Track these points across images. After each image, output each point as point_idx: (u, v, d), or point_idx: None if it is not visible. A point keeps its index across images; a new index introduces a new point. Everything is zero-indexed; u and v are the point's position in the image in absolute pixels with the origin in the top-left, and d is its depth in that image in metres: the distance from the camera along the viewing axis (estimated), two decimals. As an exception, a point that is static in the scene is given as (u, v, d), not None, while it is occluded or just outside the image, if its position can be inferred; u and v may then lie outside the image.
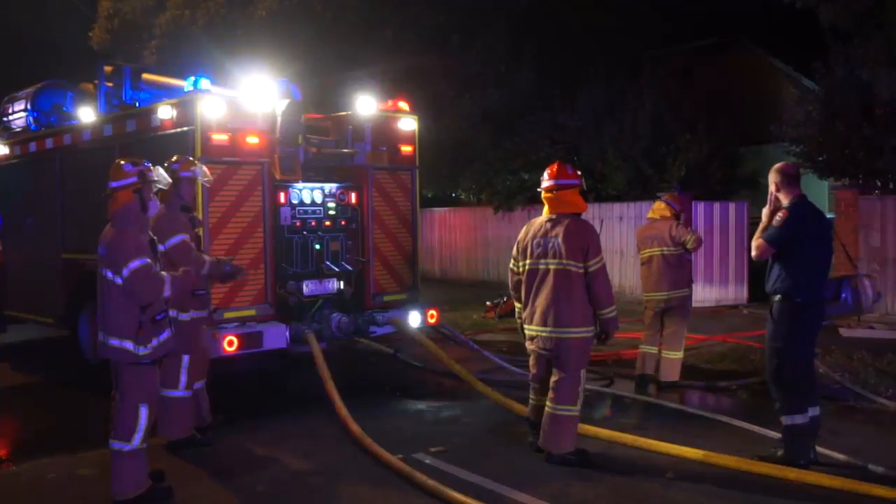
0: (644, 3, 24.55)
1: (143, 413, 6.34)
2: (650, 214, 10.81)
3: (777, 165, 7.37)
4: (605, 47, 22.96)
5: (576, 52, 23.24)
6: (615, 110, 20.21)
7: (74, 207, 11.41)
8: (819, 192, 20.83)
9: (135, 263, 6.15)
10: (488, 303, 16.41)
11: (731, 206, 18.08)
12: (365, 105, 10.48)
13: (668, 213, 10.39)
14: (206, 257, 8.03)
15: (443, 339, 11.54)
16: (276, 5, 22.41)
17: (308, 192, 9.99)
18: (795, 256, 7.02)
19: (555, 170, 7.34)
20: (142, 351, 6.27)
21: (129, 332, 6.23)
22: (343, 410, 8.18)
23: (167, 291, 6.39)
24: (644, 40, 24.72)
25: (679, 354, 10.33)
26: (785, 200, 7.17)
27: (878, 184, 15.91)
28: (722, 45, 26.42)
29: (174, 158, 8.03)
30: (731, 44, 26.46)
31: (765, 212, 7.33)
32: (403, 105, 11.08)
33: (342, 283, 10.22)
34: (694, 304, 17.18)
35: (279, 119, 9.48)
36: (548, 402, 7.18)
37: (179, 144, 8.91)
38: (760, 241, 7.16)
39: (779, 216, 7.07)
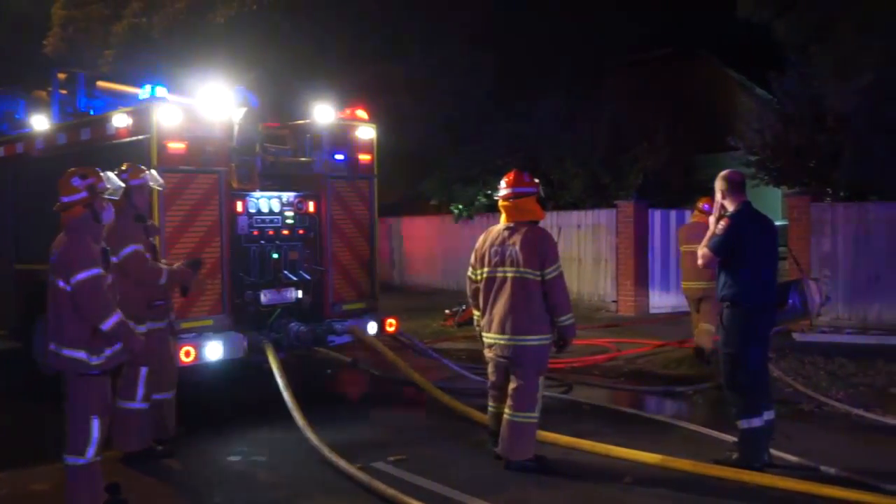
0: (603, 13, 24.72)
1: (95, 425, 6.21)
2: (693, 218, 12.34)
3: (723, 173, 7.47)
4: (564, 56, 23.10)
5: (535, 61, 23.35)
6: (574, 119, 20.32)
7: (27, 217, 11.27)
8: (773, 198, 21.12)
9: (82, 275, 6.06)
10: (447, 311, 16.42)
11: (688, 214, 18.23)
12: (323, 113, 10.46)
13: (704, 216, 10.96)
14: (163, 266, 7.96)
15: (402, 348, 11.53)
16: (235, 13, 22.29)
17: (265, 201, 9.96)
18: (741, 263, 7.12)
19: (512, 178, 7.37)
20: (94, 360, 6.15)
21: (83, 342, 6.13)
22: (301, 420, 8.13)
23: (111, 319, 6.24)
24: (603, 50, 24.90)
25: (712, 327, 11.03)
26: (731, 207, 7.28)
27: (830, 191, 16.15)
28: (679, 56, 26.75)
29: (123, 167, 7.93)
30: (688, 54, 26.81)
31: (711, 220, 7.44)
32: (361, 113, 11.08)
33: (300, 292, 10.20)
34: (651, 311, 17.47)
35: (236, 127, 9.42)
36: (506, 410, 7.20)
37: (135, 153, 8.80)
38: (705, 249, 7.26)
39: (722, 224, 7.17)
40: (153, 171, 8.13)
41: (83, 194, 6.27)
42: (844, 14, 15.06)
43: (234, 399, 10.50)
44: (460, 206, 21.90)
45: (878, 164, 15.18)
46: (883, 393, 9.77)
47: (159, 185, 8.22)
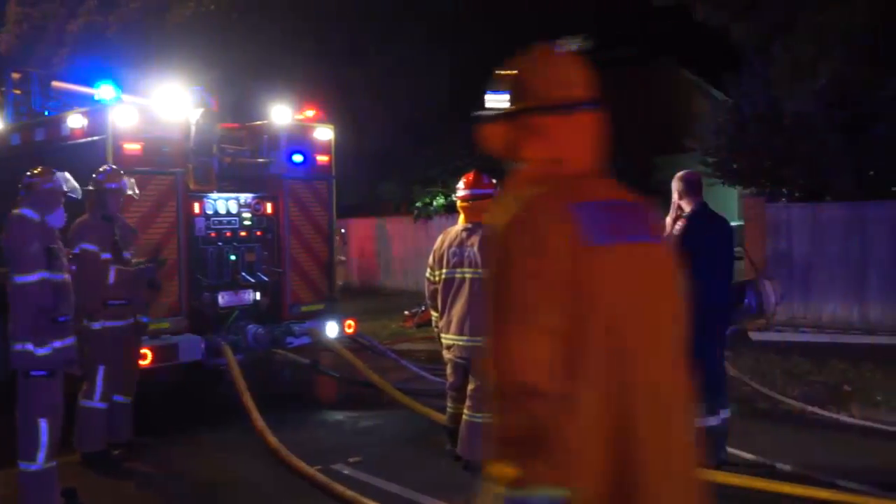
0: (560, 15, 24.80)
1: (44, 429, 6.12)
2: None
3: (679, 174, 7.52)
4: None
5: (493, 61, 23.33)
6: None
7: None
8: (729, 199, 21.31)
9: (19, 279, 6.04)
10: (406, 312, 16.40)
11: (645, 214, 18.38)
12: (280, 114, 10.41)
13: None
14: (119, 267, 7.83)
15: (361, 349, 11.51)
16: (192, 13, 22.14)
17: (223, 203, 9.90)
18: (697, 263, 7.15)
19: (471, 179, 7.37)
20: (40, 352, 6.06)
21: (28, 332, 6.06)
22: (259, 422, 8.10)
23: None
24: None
25: None
26: (687, 208, 7.32)
27: (785, 192, 16.36)
28: (638, 58, 26.90)
29: (101, 169, 7.90)
30: (646, 57, 26.97)
31: (668, 220, 7.48)
32: (317, 113, 11.03)
33: (258, 294, 10.15)
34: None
35: (193, 128, 9.36)
36: (465, 411, 7.20)
37: (91, 154, 8.71)
38: None
39: (678, 225, 7.21)
40: (132, 180, 8.05)
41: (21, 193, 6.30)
42: (800, 16, 15.24)
43: (191, 401, 10.43)
44: (426, 200, 21.87)
45: (832, 165, 15.41)
46: (837, 390, 9.89)
47: (135, 195, 8.14)
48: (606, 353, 2.27)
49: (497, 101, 2.74)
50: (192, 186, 9.42)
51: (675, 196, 7.45)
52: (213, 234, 9.79)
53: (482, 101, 2.80)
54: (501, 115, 2.69)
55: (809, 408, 9.34)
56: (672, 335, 2.59)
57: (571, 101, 2.61)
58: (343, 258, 19.08)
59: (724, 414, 7.27)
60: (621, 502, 2.28)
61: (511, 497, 2.21)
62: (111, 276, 7.73)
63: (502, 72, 2.83)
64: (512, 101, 2.65)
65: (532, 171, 2.56)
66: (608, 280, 2.33)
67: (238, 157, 10.36)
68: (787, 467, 7.14)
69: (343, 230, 19.52)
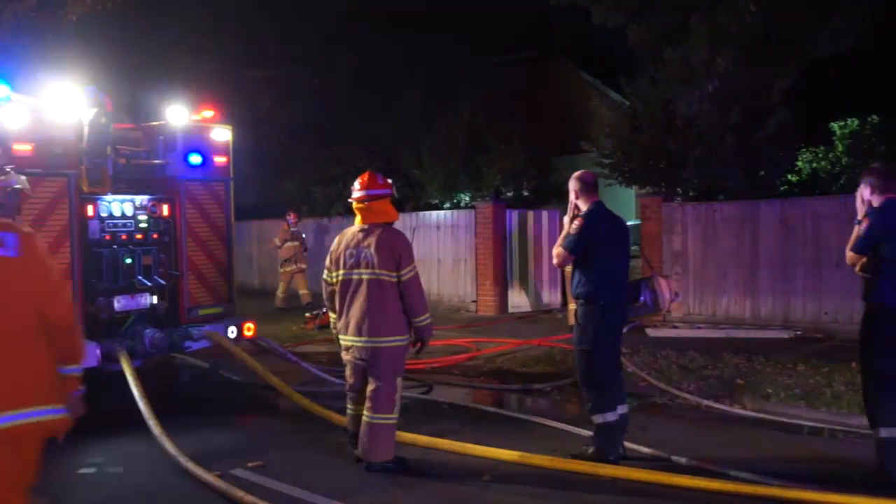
0: (461, 16, 24.95)
1: None
2: None
3: (576, 174, 7.63)
4: (422, 58, 23.22)
5: (393, 62, 23.41)
6: (433, 120, 20.46)
7: None
8: (626, 198, 21.72)
9: None
10: (307, 314, 16.32)
11: (544, 214, 18.66)
12: (177, 115, 10.26)
13: None
14: None
15: (261, 352, 11.40)
16: (89, 11, 21.63)
17: (118, 205, 9.71)
18: (594, 261, 7.29)
19: (366, 180, 7.35)
20: None
21: None
22: (157, 428, 7.96)
23: None
24: (461, 52, 25.13)
25: None
26: (584, 207, 7.44)
27: (680, 192, 16.73)
28: (537, 60, 27.23)
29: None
30: (545, 57, 27.30)
31: (565, 220, 7.60)
32: (214, 114, 10.89)
33: (155, 297, 9.98)
34: (510, 310, 17.74)
35: (86, 129, 9.13)
36: (365, 412, 7.19)
37: (-23, 156, 8.47)
38: (560, 248, 7.41)
39: (575, 224, 7.32)
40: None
41: None
42: (692, 20, 15.62)
43: (87, 409, 10.17)
44: (320, 208, 21.77)
45: (723, 165, 15.84)
46: (731, 384, 10.17)
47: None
48: None
49: None
50: (85, 188, 9.21)
51: (571, 196, 7.56)
52: (107, 237, 9.60)
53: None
54: None
55: (704, 401, 9.59)
56: None
57: None
58: (304, 266, 18.97)
59: (622, 409, 7.42)
60: None
61: None
62: None
63: None
64: None
65: None
66: None
67: (133, 158, 10.16)
68: (682, 460, 7.29)
69: (305, 235, 19.42)
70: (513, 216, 18.21)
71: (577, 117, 22.30)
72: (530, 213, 18.56)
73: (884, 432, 6.59)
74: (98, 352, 9.05)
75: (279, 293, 19.04)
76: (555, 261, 7.58)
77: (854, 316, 7.24)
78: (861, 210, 6.88)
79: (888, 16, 15.54)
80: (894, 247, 6.59)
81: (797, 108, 16.22)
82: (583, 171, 7.76)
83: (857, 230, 6.84)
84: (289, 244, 16.78)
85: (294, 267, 18.89)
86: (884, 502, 5.97)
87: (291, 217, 17.44)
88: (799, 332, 13.91)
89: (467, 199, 19.62)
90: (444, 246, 18.84)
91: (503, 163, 19.36)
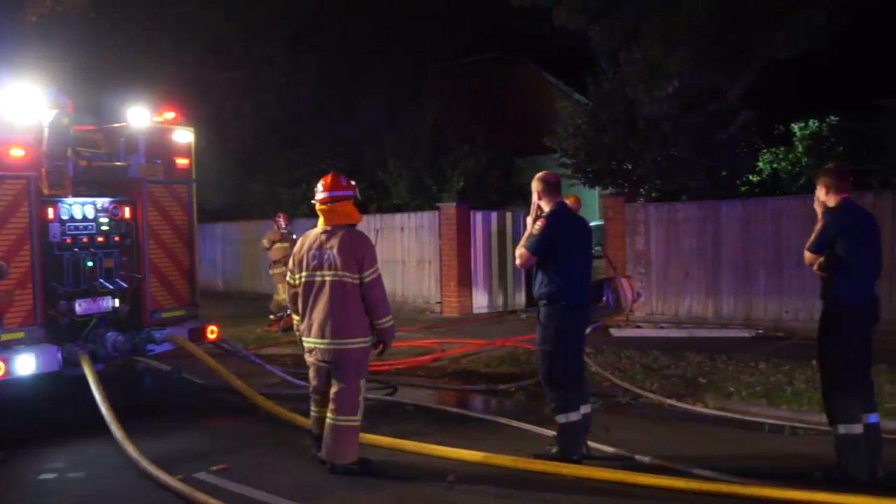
0: (425, 18, 24.95)
1: None
2: None
3: (539, 175, 7.66)
4: (387, 60, 23.21)
5: (357, 63, 23.38)
6: (397, 121, 20.45)
7: None
8: (589, 199, 21.81)
9: None
10: (271, 316, 16.26)
11: (508, 215, 18.72)
12: (138, 116, 10.19)
13: None
14: None
15: (225, 355, 11.36)
16: (49, 11, 21.42)
17: (79, 207, 9.62)
18: (557, 262, 7.31)
19: (329, 181, 7.33)
20: None
21: None
22: (119, 432, 7.89)
23: None
24: (426, 53, 25.14)
25: None
26: (547, 208, 7.47)
27: (642, 192, 16.85)
28: (500, 61, 27.28)
29: None
30: (508, 59, 27.36)
31: (528, 220, 7.62)
32: (176, 115, 10.82)
33: (117, 300, 9.90)
34: (475, 311, 17.78)
35: (46, 130, 9.06)
36: (329, 414, 7.18)
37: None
38: (523, 249, 7.43)
39: (538, 224, 7.34)
40: None
41: None
42: (652, 22, 15.74)
43: (48, 414, 10.08)
44: (285, 209, 21.68)
45: (683, 166, 15.97)
46: (694, 383, 10.25)
47: None
48: None
49: None
50: (45, 191, 9.13)
51: (534, 196, 7.58)
52: (68, 240, 9.50)
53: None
54: None
55: (667, 400, 9.67)
56: None
57: None
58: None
59: (585, 409, 7.45)
60: None
61: None
62: None
63: None
64: None
65: None
66: None
67: (94, 160, 10.08)
68: (645, 459, 7.36)
69: (295, 236, 19.22)
70: (477, 217, 18.26)
71: (541, 118, 22.37)
72: (494, 214, 18.61)
73: (842, 429, 6.68)
74: (59, 356, 8.97)
75: (276, 296, 18.89)
76: (517, 261, 7.60)
77: (814, 314, 7.34)
78: (819, 211, 6.97)
79: (842, 18, 15.73)
80: (850, 246, 6.68)
81: (757, 110, 16.39)
82: (546, 172, 7.79)
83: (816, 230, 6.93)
84: (279, 245, 16.69)
85: (285, 268, 18.74)
86: (842, 497, 6.05)
87: (282, 219, 17.36)
88: (760, 331, 14.07)
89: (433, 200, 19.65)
90: (409, 247, 18.85)
91: (467, 164, 19.38)
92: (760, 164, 21.99)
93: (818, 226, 6.81)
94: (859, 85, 24.44)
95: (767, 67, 16.77)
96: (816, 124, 24.22)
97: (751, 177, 19.78)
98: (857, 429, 6.65)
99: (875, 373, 9.18)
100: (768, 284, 14.62)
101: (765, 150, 22.57)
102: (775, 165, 23.40)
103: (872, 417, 6.77)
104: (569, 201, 10.63)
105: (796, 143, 24.09)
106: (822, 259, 6.80)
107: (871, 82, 24.55)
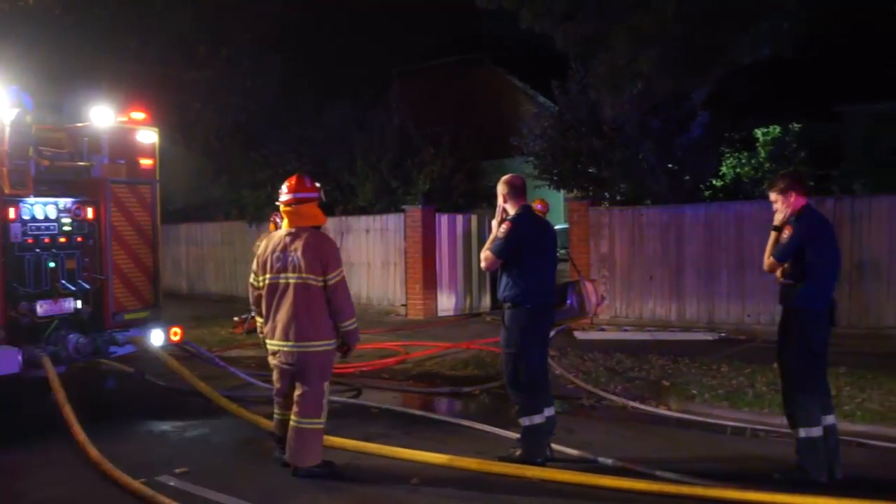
0: (392, 21, 24.95)
1: None
2: None
3: (504, 177, 7.69)
4: (353, 62, 23.18)
5: (323, 65, 23.33)
6: (363, 124, 20.42)
7: None
8: (555, 203, 21.90)
9: None
10: (236, 318, 16.17)
11: (473, 218, 18.76)
12: (101, 116, 10.09)
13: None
14: None
15: (189, 357, 11.29)
16: (10, 7, 21.16)
17: (41, 208, 9.51)
18: (521, 265, 7.35)
19: (293, 183, 7.31)
20: None
21: None
22: (80, 435, 7.82)
23: None
24: (392, 56, 25.14)
25: None
26: (512, 211, 7.50)
27: (607, 195, 16.94)
28: (466, 64, 27.34)
29: None
30: (474, 62, 27.43)
31: (494, 223, 7.65)
32: (141, 115, 10.74)
33: (79, 302, 9.79)
34: (440, 314, 17.79)
35: (8, 129, 8.95)
36: (292, 416, 7.16)
37: None
38: (488, 252, 7.45)
39: (503, 227, 7.38)
40: None
41: None
42: (618, 25, 15.82)
43: (8, 417, 9.97)
44: (250, 211, 21.61)
45: (647, 170, 16.09)
46: (657, 385, 10.34)
47: None
48: None
49: None
50: (6, 191, 9.02)
51: (500, 199, 7.61)
52: (30, 241, 9.39)
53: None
54: None
55: (630, 403, 9.74)
56: None
57: None
58: None
59: (549, 412, 7.49)
60: None
61: None
62: None
63: None
64: None
65: None
66: None
67: (57, 159, 9.97)
68: (608, 461, 7.38)
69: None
70: (442, 220, 18.28)
71: (507, 121, 22.46)
72: (459, 217, 18.64)
73: (803, 432, 6.75)
74: (20, 357, 8.84)
75: None
76: (483, 264, 7.63)
77: (775, 318, 7.40)
78: (779, 217, 7.02)
79: (805, 25, 15.93)
80: (819, 253, 6.77)
81: (720, 114, 16.56)
82: (511, 174, 7.82)
83: (774, 237, 6.99)
84: None
85: None
86: (802, 498, 6.12)
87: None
88: (723, 334, 14.20)
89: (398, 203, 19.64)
90: (374, 249, 18.83)
91: (433, 166, 19.39)
92: (724, 169, 22.20)
93: (785, 233, 6.84)
94: (820, 92, 24.82)
95: (731, 73, 16.94)
96: (778, 130, 24.52)
97: (714, 181, 19.94)
98: (818, 431, 6.74)
99: (835, 375, 9.40)
100: (731, 288, 14.75)
101: (728, 155, 22.81)
102: (738, 170, 23.65)
103: (830, 419, 6.87)
104: (537, 205, 10.67)
105: (759, 148, 24.37)
106: (786, 266, 6.85)
107: (832, 90, 24.93)
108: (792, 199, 6.91)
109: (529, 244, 7.37)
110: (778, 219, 7.01)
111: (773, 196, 7.05)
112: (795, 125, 24.34)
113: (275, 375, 7.44)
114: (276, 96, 22.88)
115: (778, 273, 6.93)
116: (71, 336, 9.49)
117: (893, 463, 7.60)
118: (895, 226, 13.23)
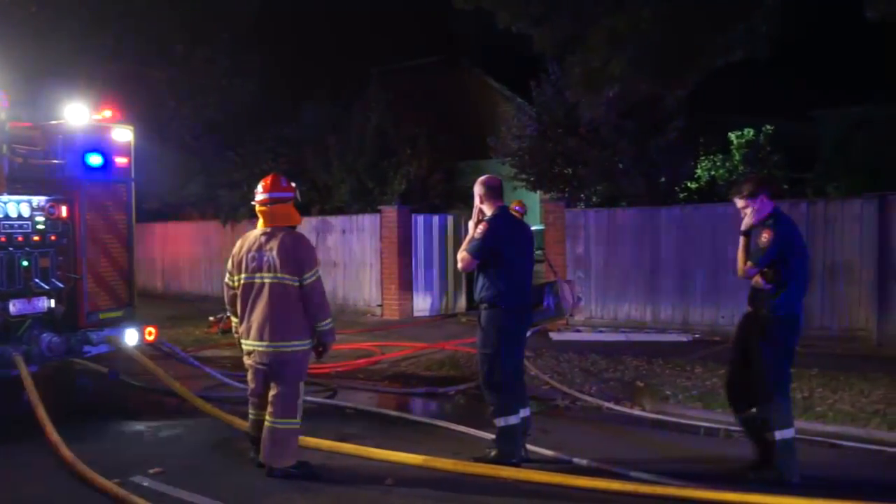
0: (370, 21, 24.94)
1: None
2: None
3: (481, 178, 7.71)
4: (331, 63, 23.15)
5: (301, 65, 23.28)
6: (340, 124, 20.40)
7: None
8: (531, 204, 21.96)
9: None
10: (212, 318, 16.12)
11: (450, 219, 18.76)
12: (76, 114, 10.01)
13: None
14: None
15: (164, 357, 11.25)
16: (-16, 3, 20.98)
17: (14, 206, 9.43)
18: (497, 266, 7.37)
19: (269, 183, 7.30)
20: None
21: None
22: (53, 435, 7.77)
23: None
24: (369, 56, 25.12)
25: None
26: (488, 212, 7.52)
27: (583, 197, 17.00)
28: (444, 64, 27.33)
29: None
30: (452, 63, 27.43)
31: (470, 224, 7.67)
32: (115, 113, 10.67)
33: (52, 301, 9.72)
34: (415, 314, 17.80)
35: (-20, 127, 8.90)
36: (267, 417, 7.14)
37: None
38: (464, 253, 7.47)
39: (480, 228, 7.40)
40: None
41: None
42: (592, 27, 15.86)
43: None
44: (225, 210, 21.55)
45: (623, 172, 16.16)
46: (631, 386, 10.40)
47: None
48: None
49: None
50: (-20, 189, 8.96)
51: (476, 200, 7.63)
52: (3, 239, 9.30)
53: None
54: None
55: (605, 404, 9.79)
56: None
57: None
58: None
59: (524, 412, 7.51)
60: None
61: None
62: None
63: None
64: None
65: None
66: None
67: (30, 157, 9.89)
68: (583, 461, 7.43)
69: None
70: (419, 220, 18.28)
71: (484, 122, 22.49)
72: (436, 218, 18.64)
73: (778, 434, 6.80)
74: (-9, 357, 8.80)
75: None
76: (459, 265, 7.64)
77: (749, 320, 7.46)
78: (747, 222, 7.05)
79: (780, 28, 16.01)
80: (798, 258, 6.83)
81: (695, 117, 16.65)
82: (488, 175, 7.84)
83: (744, 242, 7.03)
84: None
85: None
86: (776, 499, 6.17)
87: None
88: (697, 336, 14.28)
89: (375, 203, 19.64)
90: (350, 250, 18.81)
91: (409, 167, 19.40)
92: (699, 171, 22.31)
93: (764, 238, 6.83)
94: (794, 96, 25.02)
95: (708, 76, 17.02)
96: (752, 133, 24.69)
97: (689, 183, 20.05)
98: (791, 433, 6.81)
99: (807, 377, 9.47)
100: (705, 289, 14.82)
101: (703, 158, 22.93)
102: (713, 173, 23.79)
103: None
104: (515, 206, 10.65)
105: (733, 150, 24.52)
106: (766, 271, 6.86)
107: (805, 94, 25.14)
108: (760, 204, 6.94)
109: (506, 245, 7.39)
110: (746, 223, 7.04)
111: (739, 202, 7.07)
112: (769, 127, 24.50)
113: (249, 375, 7.42)
114: (252, 96, 22.82)
115: (757, 278, 6.93)
116: (44, 335, 9.42)
117: (865, 463, 7.68)
118: (867, 229, 13.31)
